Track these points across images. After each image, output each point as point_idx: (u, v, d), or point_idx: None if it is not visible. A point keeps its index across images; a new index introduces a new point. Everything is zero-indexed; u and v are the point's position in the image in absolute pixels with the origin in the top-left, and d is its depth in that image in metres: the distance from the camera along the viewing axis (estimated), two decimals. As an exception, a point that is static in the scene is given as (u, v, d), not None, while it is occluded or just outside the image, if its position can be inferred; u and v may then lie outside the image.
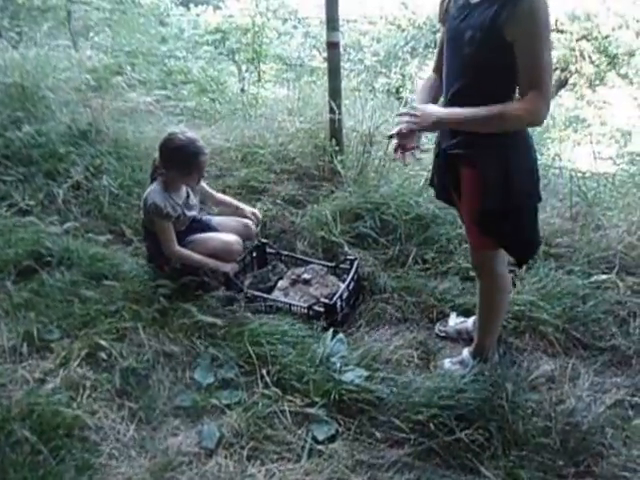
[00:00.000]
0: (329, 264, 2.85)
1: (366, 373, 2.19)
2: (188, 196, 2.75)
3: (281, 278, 2.83)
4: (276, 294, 2.70)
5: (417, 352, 2.41)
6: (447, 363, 2.36)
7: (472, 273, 2.74)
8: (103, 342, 2.36)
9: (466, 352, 2.35)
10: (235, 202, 2.95)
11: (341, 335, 2.40)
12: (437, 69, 2.04)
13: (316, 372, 2.20)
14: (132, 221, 3.31)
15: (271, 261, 2.96)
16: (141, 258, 2.99)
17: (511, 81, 1.76)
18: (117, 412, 2.15)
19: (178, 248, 2.62)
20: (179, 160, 2.56)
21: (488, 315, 2.26)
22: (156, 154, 2.66)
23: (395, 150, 1.98)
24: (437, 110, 1.85)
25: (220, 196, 2.97)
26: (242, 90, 5.57)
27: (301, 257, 2.93)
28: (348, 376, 2.17)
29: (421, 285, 2.75)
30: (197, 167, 2.59)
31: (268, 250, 2.97)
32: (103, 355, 2.34)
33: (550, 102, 1.68)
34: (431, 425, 1.97)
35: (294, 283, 2.77)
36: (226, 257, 2.70)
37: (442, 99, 1.98)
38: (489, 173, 1.85)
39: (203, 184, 2.84)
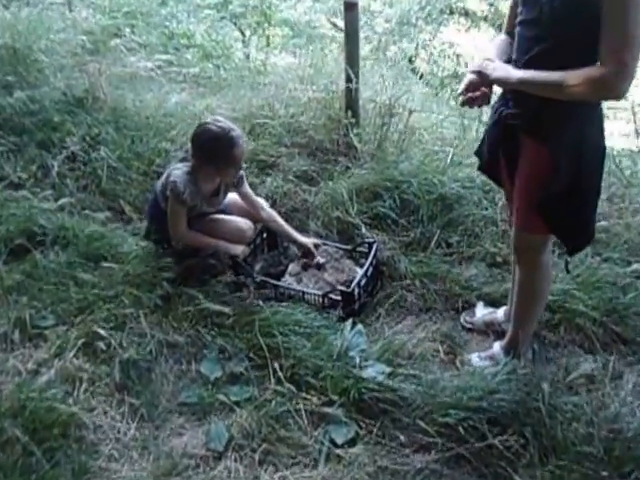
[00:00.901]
0: (345, 247, 2.69)
1: (388, 369, 2.04)
2: (217, 194, 2.56)
3: (292, 261, 2.67)
4: (288, 280, 2.55)
5: (443, 346, 2.26)
6: (475, 358, 2.21)
7: (499, 259, 2.59)
8: (101, 331, 2.22)
9: (497, 346, 2.20)
10: (288, 227, 2.66)
11: (360, 326, 2.25)
12: (509, 30, 1.85)
13: (333, 367, 2.06)
14: (132, 197, 3.14)
15: (282, 242, 2.80)
16: (142, 238, 2.82)
17: (593, 50, 1.55)
18: (117, 408, 2.02)
19: (186, 231, 2.46)
20: (211, 153, 2.37)
21: (526, 307, 2.10)
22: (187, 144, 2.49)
23: (462, 104, 1.83)
24: (500, 65, 1.72)
25: (270, 212, 2.68)
26: (247, 56, 5.34)
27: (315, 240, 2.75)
28: (368, 372, 2.03)
29: (445, 271, 2.59)
30: (231, 160, 2.40)
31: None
32: (101, 345, 2.20)
33: (631, 75, 1.48)
34: (460, 429, 1.82)
35: (306, 267, 2.60)
36: (237, 242, 2.53)
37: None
38: (561, 151, 1.68)
39: (247, 188, 2.63)
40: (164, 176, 2.49)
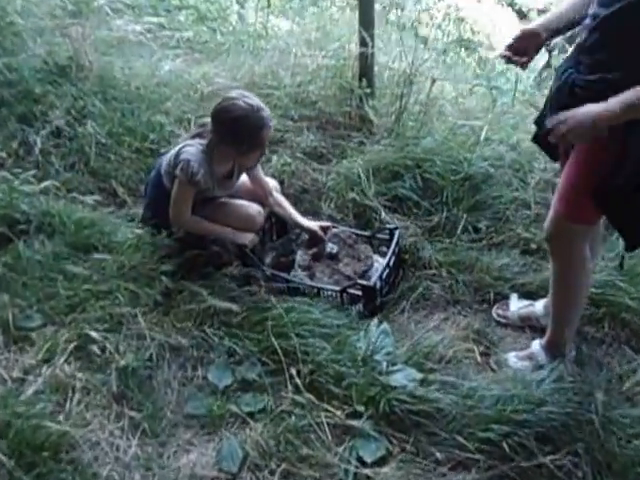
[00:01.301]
0: (363, 233, 2.46)
1: (419, 375, 1.85)
2: (231, 176, 2.32)
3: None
4: (299, 273, 2.32)
5: (476, 345, 2.07)
6: (513, 358, 2.02)
7: (533, 246, 2.39)
8: (94, 333, 2.00)
9: (536, 345, 2.01)
10: (292, 211, 2.46)
11: (385, 325, 2.05)
12: None
13: (358, 373, 1.86)
14: (125, 177, 2.89)
15: (292, 228, 2.57)
16: (138, 224, 2.58)
17: None
18: (115, 423, 1.81)
19: (190, 217, 2.23)
20: (236, 133, 2.12)
21: (564, 302, 1.91)
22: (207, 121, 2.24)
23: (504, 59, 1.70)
24: (590, 110, 1.44)
25: (277, 197, 2.46)
26: (239, 16, 4.97)
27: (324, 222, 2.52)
28: (397, 379, 1.83)
29: (473, 259, 2.39)
30: (258, 143, 2.16)
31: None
32: (95, 349, 1.98)
33: None
34: (505, 445, 1.63)
35: (317, 257, 2.37)
36: (245, 229, 2.30)
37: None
38: (636, 137, 1.45)
39: (259, 169, 2.40)
40: (173, 152, 2.23)
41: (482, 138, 2.60)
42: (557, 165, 2.58)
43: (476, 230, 2.48)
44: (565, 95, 1.58)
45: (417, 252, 2.45)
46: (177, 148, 2.23)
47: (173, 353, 2.02)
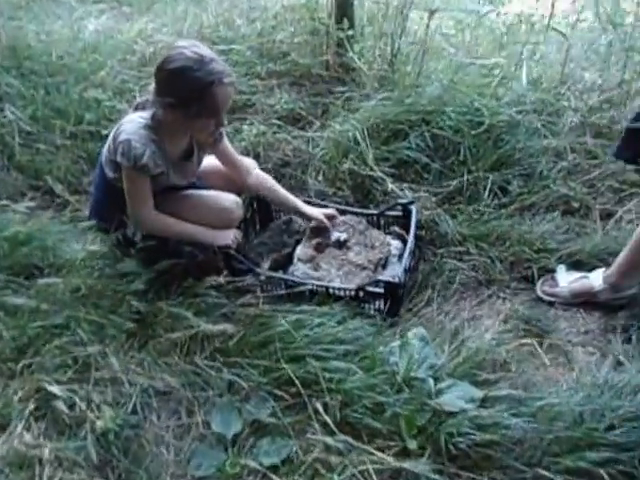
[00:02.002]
0: (371, 212, 2.17)
1: (477, 392, 1.60)
2: (189, 156, 1.96)
3: (299, 240, 2.14)
4: (300, 268, 2.03)
5: (532, 339, 1.82)
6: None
7: (575, 204, 2.16)
8: (56, 387, 1.68)
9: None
10: (287, 194, 2.14)
11: (422, 330, 1.78)
12: None
13: (401, 400, 1.60)
14: (61, 171, 2.54)
15: (278, 214, 2.26)
16: (88, 229, 2.23)
17: None
18: (102, 502, 1.52)
19: (153, 214, 1.89)
20: (179, 91, 1.74)
21: None
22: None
23: None
24: None
25: (260, 176, 2.13)
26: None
27: (327, 204, 2.22)
28: (452, 400, 1.59)
29: (506, 229, 2.15)
30: (210, 107, 1.78)
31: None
32: (61, 406, 1.67)
33: None
34: (604, 475, 1.40)
35: (321, 248, 2.08)
36: (221, 226, 1.97)
37: None
38: None
39: (227, 144, 2.04)
40: (112, 133, 1.87)
41: (498, 77, 2.29)
42: (592, 102, 2.34)
43: (504, 192, 2.23)
44: None
45: (435, 227, 2.19)
46: (116, 128, 1.87)
47: (161, 398, 1.74)
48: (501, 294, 2.06)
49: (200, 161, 2.04)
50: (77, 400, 1.67)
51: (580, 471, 1.45)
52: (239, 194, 2.08)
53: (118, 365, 1.75)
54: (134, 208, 1.89)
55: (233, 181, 2.09)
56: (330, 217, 2.13)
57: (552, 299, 2.00)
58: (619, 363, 1.71)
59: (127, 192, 1.87)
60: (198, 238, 2.00)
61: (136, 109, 1.93)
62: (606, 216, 2.17)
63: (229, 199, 2.01)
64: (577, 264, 2.04)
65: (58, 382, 1.71)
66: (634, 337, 1.83)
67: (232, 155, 2.08)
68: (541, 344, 1.84)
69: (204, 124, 1.84)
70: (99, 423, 1.62)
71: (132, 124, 1.81)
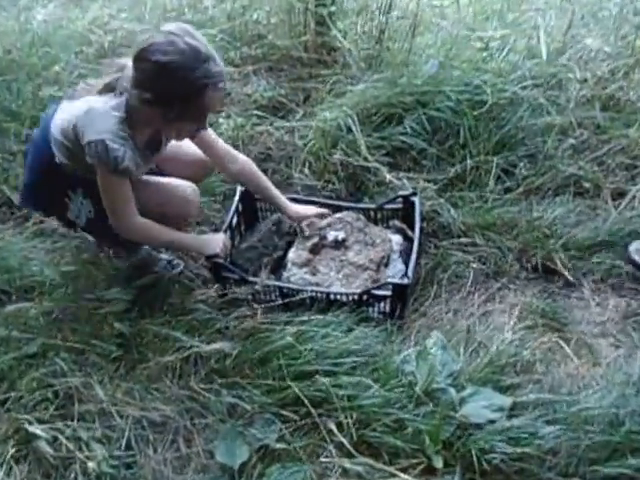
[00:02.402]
0: (369, 206, 2.09)
1: (504, 399, 1.54)
2: (157, 147, 1.81)
3: (291, 243, 2.05)
4: (295, 273, 1.95)
5: (553, 333, 1.77)
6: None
7: (587, 184, 2.10)
8: (38, 427, 1.58)
9: None
10: (273, 189, 2.02)
11: (438, 335, 1.71)
12: None
13: (421, 414, 1.53)
14: (19, 179, 2.37)
15: (265, 213, 2.17)
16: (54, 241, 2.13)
17: None
18: None
19: (140, 222, 1.75)
20: (166, 89, 1.58)
21: None
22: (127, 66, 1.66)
23: None
24: None
25: (244, 165, 1.98)
26: None
27: (317, 200, 2.14)
28: (477, 411, 1.53)
29: (513, 215, 2.09)
30: (195, 113, 1.65)
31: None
32: (45, 448, 1.57)
33: None
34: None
35: (317, 249, 2.00)
36: (178, 216, 1.87)
37: None
38: None
39: (209, 130, 1.88)
40: (68, 116, 1.69)
41: (494, 49, 2.22)
42: (600, 72, 2.27)
43: (508, 175, 2.17)
44: None
45: (437, 217, 2.12)
46: (75, 109, 1.68)
47: (156, 430, 1.65)
48: (512, 286, 2.01)
49: (166, 148, 1.88)
50: (62, 440, 1.59)
51: (621, 479, 1.40)
52: (197, 182, 1.92)
53: (104, 396, 1.68)
54: (117, 214, 1.72)
55: (188, 165, 1.95)
56: (322, 216, 2.04)
57: None
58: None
59: (106, 197, 1.70)
60: (184, 247, 1.91)
61: (102, 91, 1.70)
62: (617, 195, 2.12)
63: (189, 187, 1.86)
64: (587, 248, 1.99)
65: (39, 420, 1.63)
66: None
67: (214, 141, 1.91)
68: (564, 340, 1.79)
69: (184, 127, 1.72)
70: (91, 464, 1.53)
71: (103, 118, 1.63)
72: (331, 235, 2.00)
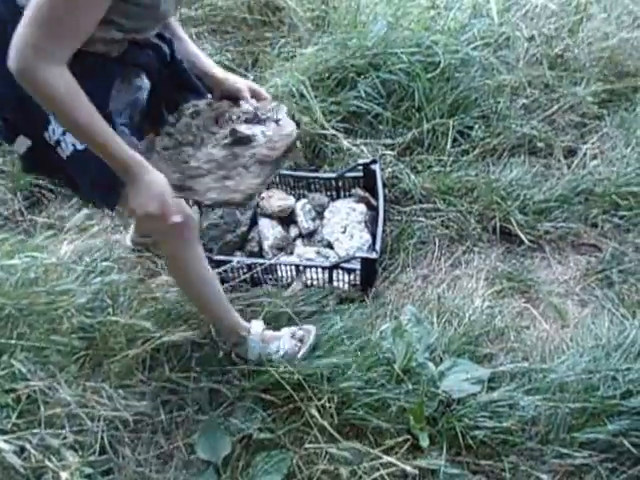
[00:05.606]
0: (329, 175, 1.94)
1: (482, 370, 1.48)
2: None
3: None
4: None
5: (520, 296, 1.71)
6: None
7: (540, 144, 2.03)
8: (1, 440, 1.40)
9: None
10: (206, 60, 1.44)
11: (412, 309, 1.62)
12: None
13: (403, 390, 1.44)
14: None
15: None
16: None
17: None
18: None
19: (65, 72, 1.01)
20: None
21: None
22: None
23: None
24: None
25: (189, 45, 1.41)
26: None
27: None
28: (456, 384, 1.47)
29: (472, 179, 1.98)
30: None
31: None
32: (14, 459, 1.39)
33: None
34: (627, 444, 1.33)
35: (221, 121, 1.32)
36: None
37: None
38: None
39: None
40: None
41: (442, 8, 2.06)
42: (546, 29, 2.16)
43: (464, 136, 2.05)
44: None
45: (398, 183, 2.00)
46: None
47: (132, 429, 1.49)
48: (476, 249, 1.93)
49: None
50: (30, 448, 1.40)
51: (601, 443, 1.37)
52: None
53: (71, 398, 1.48)
54: (40, 45, 0.96)
55: None
56: (256, 94, 1.38)
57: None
58: (613, 315, 1.63)
59: (44, 8, 0.94)
60: (108, 155, 1.07)
61: None
62: (569, 153, 2.05)
63: None
64: (541, 212, 1.92)
65: (2, 431, 1.42)
66: (615, 280, 1.77)
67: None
68: (532, 303, 1.73)
69: None
70: (64, 475, 1.36)
71: None
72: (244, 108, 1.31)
